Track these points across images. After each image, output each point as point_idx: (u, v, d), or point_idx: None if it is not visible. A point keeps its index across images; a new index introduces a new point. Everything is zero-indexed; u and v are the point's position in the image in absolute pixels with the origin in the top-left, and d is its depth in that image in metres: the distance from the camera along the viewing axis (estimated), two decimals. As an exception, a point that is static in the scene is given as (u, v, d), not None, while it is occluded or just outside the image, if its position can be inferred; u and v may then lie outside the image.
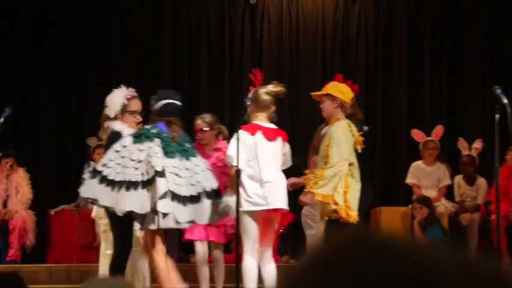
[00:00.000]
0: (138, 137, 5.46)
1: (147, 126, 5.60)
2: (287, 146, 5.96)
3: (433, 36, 9.78)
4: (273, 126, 5.95)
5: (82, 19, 9.84)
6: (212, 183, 5.63)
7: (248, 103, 5.98)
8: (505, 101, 5.86)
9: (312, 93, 6.29)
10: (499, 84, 6.18)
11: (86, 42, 9.78)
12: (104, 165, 5.40)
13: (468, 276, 0.85)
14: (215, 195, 5.63)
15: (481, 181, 8.67)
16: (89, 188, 5.44)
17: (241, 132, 5.80)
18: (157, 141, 5.43)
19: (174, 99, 5.66)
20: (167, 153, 5.43)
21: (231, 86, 9.86)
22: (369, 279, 0.83)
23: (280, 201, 5.79)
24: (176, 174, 5.42)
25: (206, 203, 5.54)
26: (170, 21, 10.00)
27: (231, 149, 5.78)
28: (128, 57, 9.96)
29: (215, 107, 9.71)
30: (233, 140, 5.81)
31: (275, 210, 5.80)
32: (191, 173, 5.51)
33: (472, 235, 8.46)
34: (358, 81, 9.75)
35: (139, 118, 5.81)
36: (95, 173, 5.44)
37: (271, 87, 5.95)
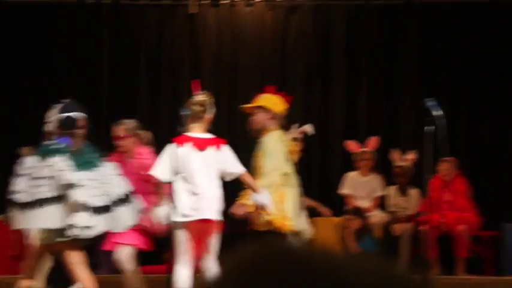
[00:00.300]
0: (42, 154, 5.45)
1: (49, 142, 5.59)
2: (223, 154, 5.92)
3: (369, 47, 9.90)
4: (206, 135, 5.95)
5: (18, 30, 9.70)
6: (123, 189, 5.63)
7: (185, 113, 5.99)
8: (436, 113, 5.96)
9: (245, 106, 6.33)
10: (434, 97, 6.29)
11: (22, 54, 9.64)
12: (14, 192, 5.40)
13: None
14: (128, 200, 5.62)
15: (414, 192, 8.80)
16: (11, 218, 5.45)
17: (171, 144, 5.83)
18: (62, 155, 5.41)
19: (76, 112, 5.65)
20: (76, 166, 5.41)
21: (169, 95, 9.82)
22: None
23: (211, 211, 5.79)
24: (88, 186, 5.41)
25: (120, 211, 5.54)
26: (109, 31, 9.92)
27: (160, 161, 5.82)
28: (66, 68, 9.83)
29: (153, 117, 9.69)
30: (163, 153, 5.84)
31: (207, 220, 5.79)
32: (100, 183, 5.50)
33: (404, 245, 8.58)
34: (297, 91, 9.83)
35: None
36: (9, 202, 5.43)
37: (198, 97, 5.96)
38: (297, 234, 6.46)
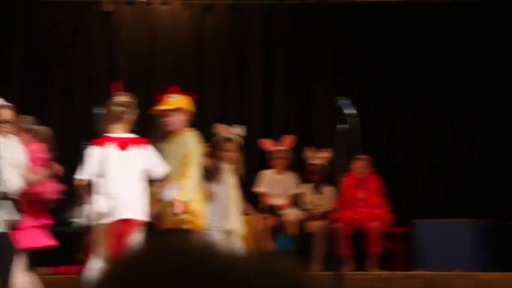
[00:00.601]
0: None
1: None
2: (147, 154, 5.96)
3: (285, 46, 9.98)
4: (128, 135, 5.97)
5: None
6: None
7: (100, 112, 5.99)
8: (349, 111, 6.05)
9: (163, 108, 6.36)
10: (348, 95, 6.39)
11: None
12: None
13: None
14: None
15: (328, 190, 8.92)
16: None
17: (91, 146, 5.87)
18: None
19: None
20: None
21: (84, 94, 9.70)
22: (166, 285, 0.87)
23: (129, 211, 5.78)
24: None
25: None
26: (21, 28, 9.74)
27: (83, 163, 5.85)
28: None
29: (67, 116, 9.56)
30: (86, 155, 5.87)
31: (127, 220, 5.79)
32: None
33: (318, 242, 8.70)
34: (213, 89, 9.87)
35: (6, 127, 5.71)
36: None
37: (119, 98, 5.97)
38: (229, 233, 6.57)
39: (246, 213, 7.62)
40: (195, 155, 6.15)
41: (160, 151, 6.18)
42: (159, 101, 6.45)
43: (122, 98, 6.01)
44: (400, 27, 9.77)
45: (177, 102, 6.31)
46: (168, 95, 6.40)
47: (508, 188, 8.45)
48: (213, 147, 6.84)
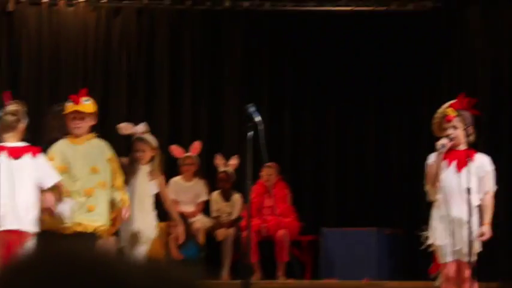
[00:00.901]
0: None
1: None
2: (39, 161, 5.88)
3: (193, 52, 9.92)
4: (21, 144, 5.89)
5: None
6: None
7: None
8: (257, 119, 6.03)
9: (80, 110, 6.27)
10: (257, 102, 6.37)
11: None
12: None
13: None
14: None
15: (236, 197, 8.90)
16: None
17: None
18: None
19: None
20: None
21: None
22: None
23: (18, 221, 5.68)
24: None
25: None
26: None
27: None
28: None
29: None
30: None
31: (14, 231, 5.68)
32: None
33: (226, 250, 8.66)
34: (121, 95, 9.70)
35: None
36: None
37: (10, 107, 5.90)
38: (136, 235, 6.49)
39: (170, 218, 7.47)
40: (116, 160, 6.18)
41: (65, 154, 6.09)
42: (73, 100, 6.32)
43: (13, 106, 5.92)
44: (309, 34, 9.83)
45: (91, 106, 6.26)
46: (82, 97, 6.31)
47: (414, 198, 8.55)
48: (129, 148, 6.82)
